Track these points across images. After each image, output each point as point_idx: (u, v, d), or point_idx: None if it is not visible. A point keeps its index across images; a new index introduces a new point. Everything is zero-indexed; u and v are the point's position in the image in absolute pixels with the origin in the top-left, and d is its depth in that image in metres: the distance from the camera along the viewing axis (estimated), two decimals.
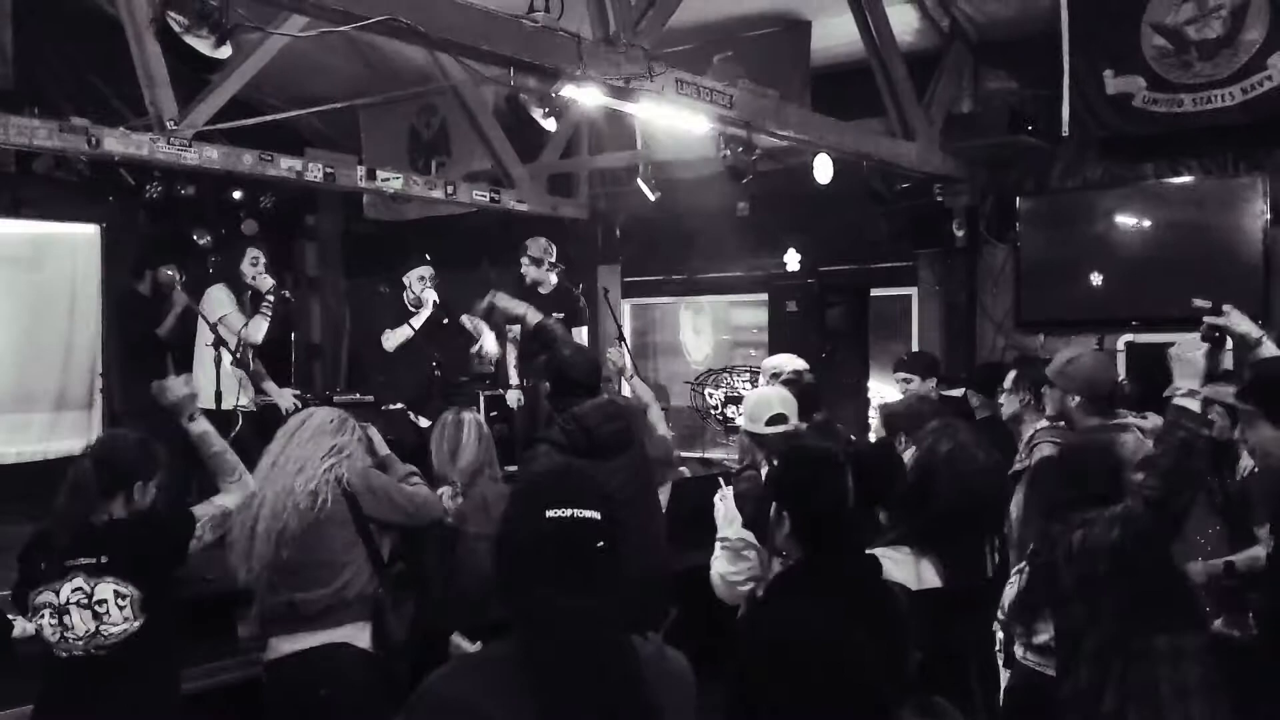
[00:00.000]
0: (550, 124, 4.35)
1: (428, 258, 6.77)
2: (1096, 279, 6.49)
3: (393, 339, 6.52)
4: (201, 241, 8.71)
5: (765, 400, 3.92)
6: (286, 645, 3.25)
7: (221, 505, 3.25)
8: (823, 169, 6.32)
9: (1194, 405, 2.69)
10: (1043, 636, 2.95)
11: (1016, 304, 6.81)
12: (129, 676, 3.05)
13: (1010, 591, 3.03)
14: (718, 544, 3.13)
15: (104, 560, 3.04)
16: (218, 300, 6.01)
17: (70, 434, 7.17)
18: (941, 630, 2.60)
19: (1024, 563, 3.01)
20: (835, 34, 6.75)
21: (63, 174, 7.75)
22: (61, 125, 5.76)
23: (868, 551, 2.46)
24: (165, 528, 3.23)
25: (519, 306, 6.18)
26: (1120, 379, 3.79)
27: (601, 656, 1.61)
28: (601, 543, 1.66)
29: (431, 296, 6.51)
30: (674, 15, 4.88)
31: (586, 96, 4.33)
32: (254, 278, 6.14)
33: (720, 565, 3.10)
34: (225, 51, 3.15)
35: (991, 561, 3.16)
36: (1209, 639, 2.87)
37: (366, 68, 8.37)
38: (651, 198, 7.47)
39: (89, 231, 7.83)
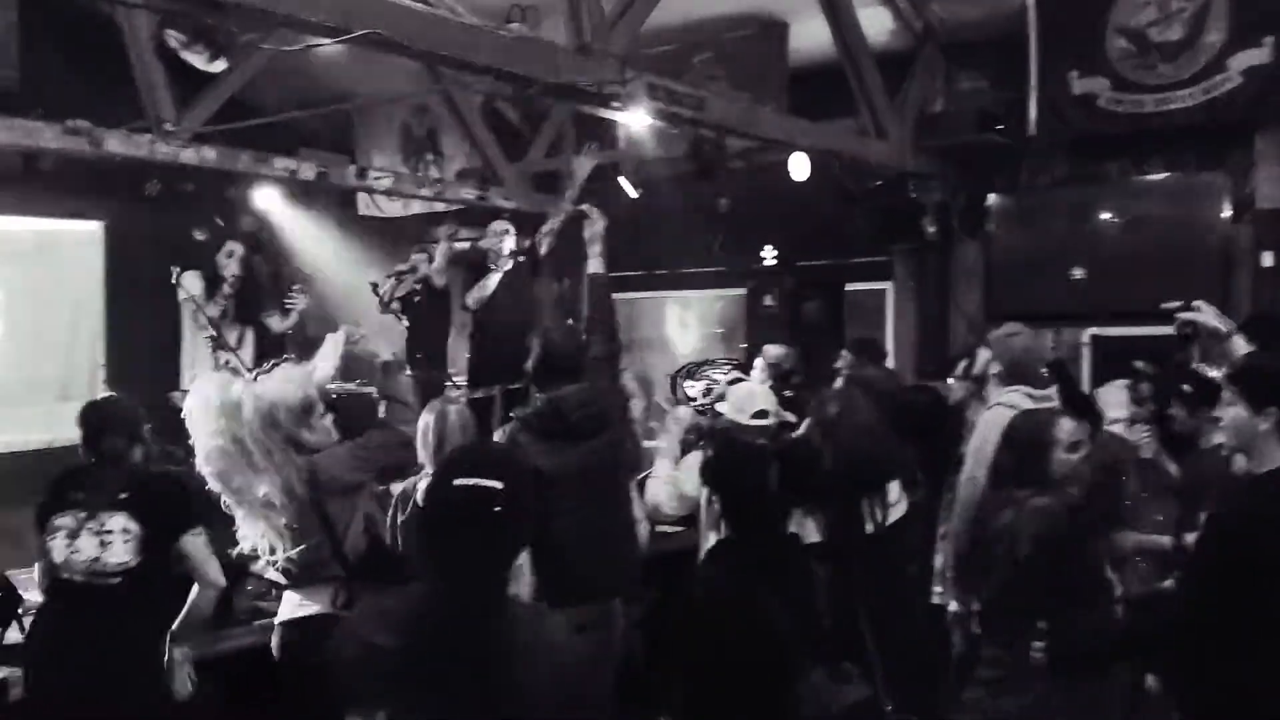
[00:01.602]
0: (525, 127, 4.57)
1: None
2: (1064, 274, 6.71)
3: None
4: (200, 237, 8.94)
5: (752, 395, 4.25)
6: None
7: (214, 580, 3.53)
8: (799, 166, 6.55)
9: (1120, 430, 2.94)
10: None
11: (987, 298, 7.05)
12: (117, 612, 3.37)
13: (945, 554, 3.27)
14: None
15: (123, 496, 3.40)
16: (187, 285, 6.40)
17: (71, 424, 7.37)
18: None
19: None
20: (813, 35, 6.97)
21: (63, 171, 7.98)
22: (64, 127, 6.00)
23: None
24: (183, 487, 3.57)
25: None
26: (1044, 366, 4.04)
27: (479, 610, 1.84)
28: (499, 508, 1.89)
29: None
30: (655, 16, 5.10)
31: (560, 102, 4.57)
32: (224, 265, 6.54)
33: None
34: (220, 66, 3.37)
35: (872, 519, 3.35)
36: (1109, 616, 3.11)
37: (361, 68, 8.58)
38: (634, 195, 7.70)
39: (91, 228, 8.07)
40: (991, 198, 7.02)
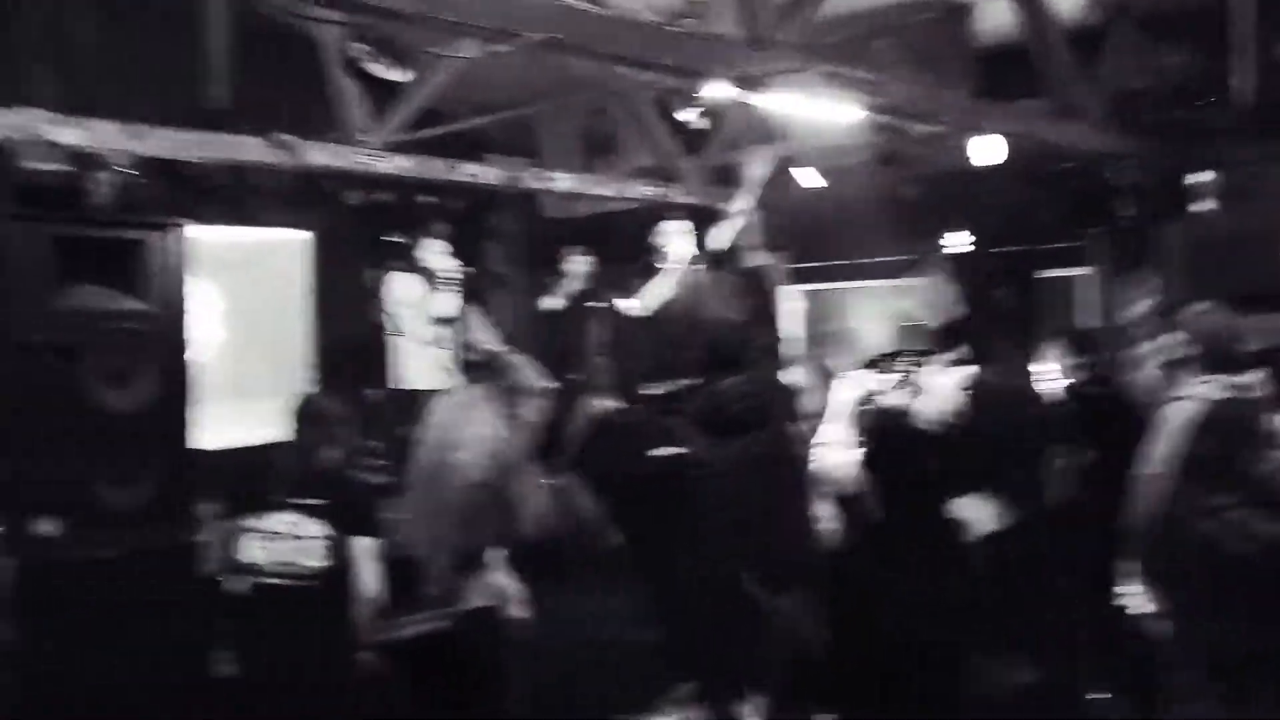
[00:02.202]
0: (704, 123, 4.56)
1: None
2: (1272, 252, 6.28)
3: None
4: (398, 243, 9.39)
5: (944, 390, 4.15)
6: None
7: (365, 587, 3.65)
8: (986, 151, 6.37)
9: None
10: None
11: (1189, 283, 6.65)
12: (310, 609, 3.59)
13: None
14: None
15: (320, 503, 3.60)
16: (395, 286, 6.69)
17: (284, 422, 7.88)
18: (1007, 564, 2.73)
19: None
20: (999, 14, 6.74)
21: (275, 185, 8.50)
22: (269, 141, 6.38)
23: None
24: (366, 498, 3.78)
25: None
26: (1243, 348, 3.75)
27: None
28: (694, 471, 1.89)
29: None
30: (832, 4, 5.03)
31: (732, 96, 4.57)
32: (430, 261, 6.82)
33: None
34: (402, 75, 3.53)
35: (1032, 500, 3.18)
36: None
37: (542, 74, 8.79)
38: (813, 185, 7.62)
39: (301, 237, 8.56)
40: (1193, 176, 6.62)
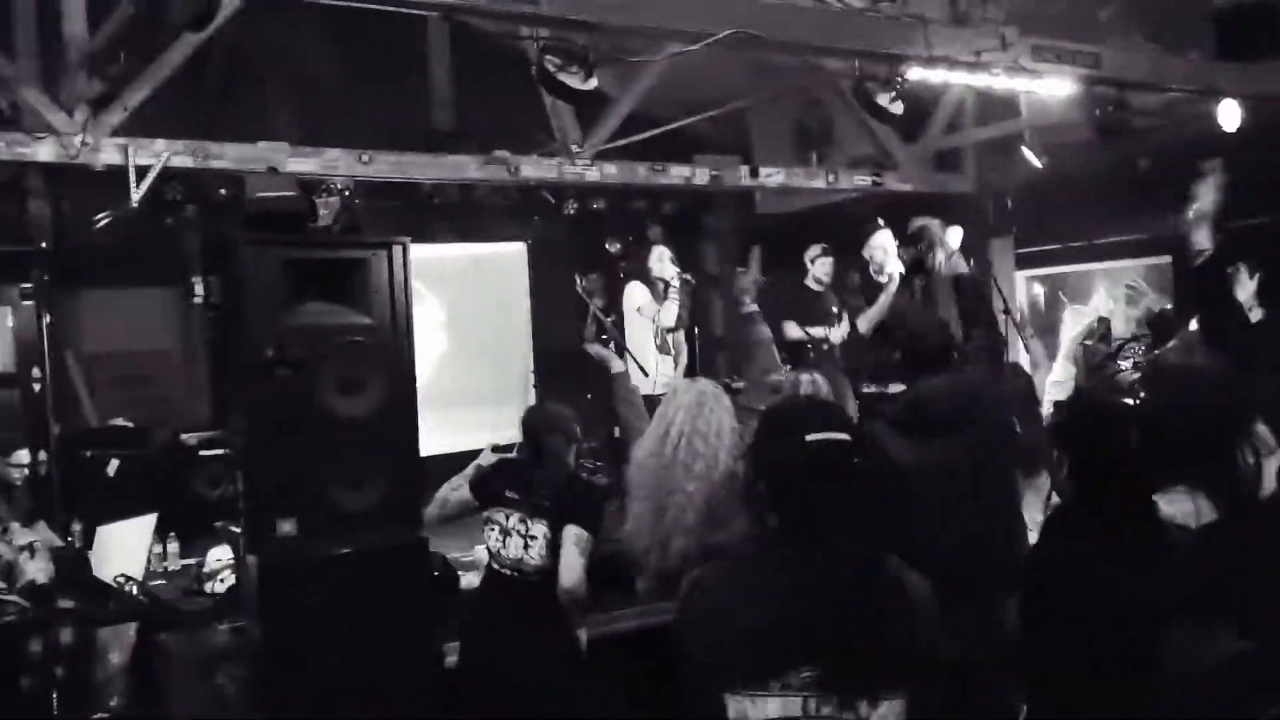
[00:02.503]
0: (897, 108, 4.46)
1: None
2: None
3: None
4: (613, 250, 9.60)
5: None
6: None
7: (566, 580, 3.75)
8: (1229, 115, 5.92)
9: None
10: None
11: None
12: (537, 599, 3.79)
13: None
14: None
15: (546, 505, 3.81)
16: (630, 295, 6.85)
17: (505, 427, 8.19)
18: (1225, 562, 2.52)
19: None
20: None
21: (496, 199, 8.86)
22: (486, 158, 6.67)
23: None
24: (593, 497, 3.97)
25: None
26: None
27: (845, 569, 1.82)
28: (857, 459, 1.87)
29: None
30: None
31: (935, 77, 4.43)
32: (659, 270, 6.94)
33: None
34: (592, 84, 3.62)
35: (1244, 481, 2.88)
36: None
37: (746, 70, 8.78)
38: (1038, 165, 7.28)
39: (518, 249, 8.89)
40: None
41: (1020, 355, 5.97)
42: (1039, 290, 8.83)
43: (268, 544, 3.83)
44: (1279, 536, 2.58)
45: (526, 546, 3.83)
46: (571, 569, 3.73)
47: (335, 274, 4.01)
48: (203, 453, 7.02)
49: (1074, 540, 2.44)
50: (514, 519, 3.88)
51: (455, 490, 4.26)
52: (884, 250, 6.66)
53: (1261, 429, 2.98)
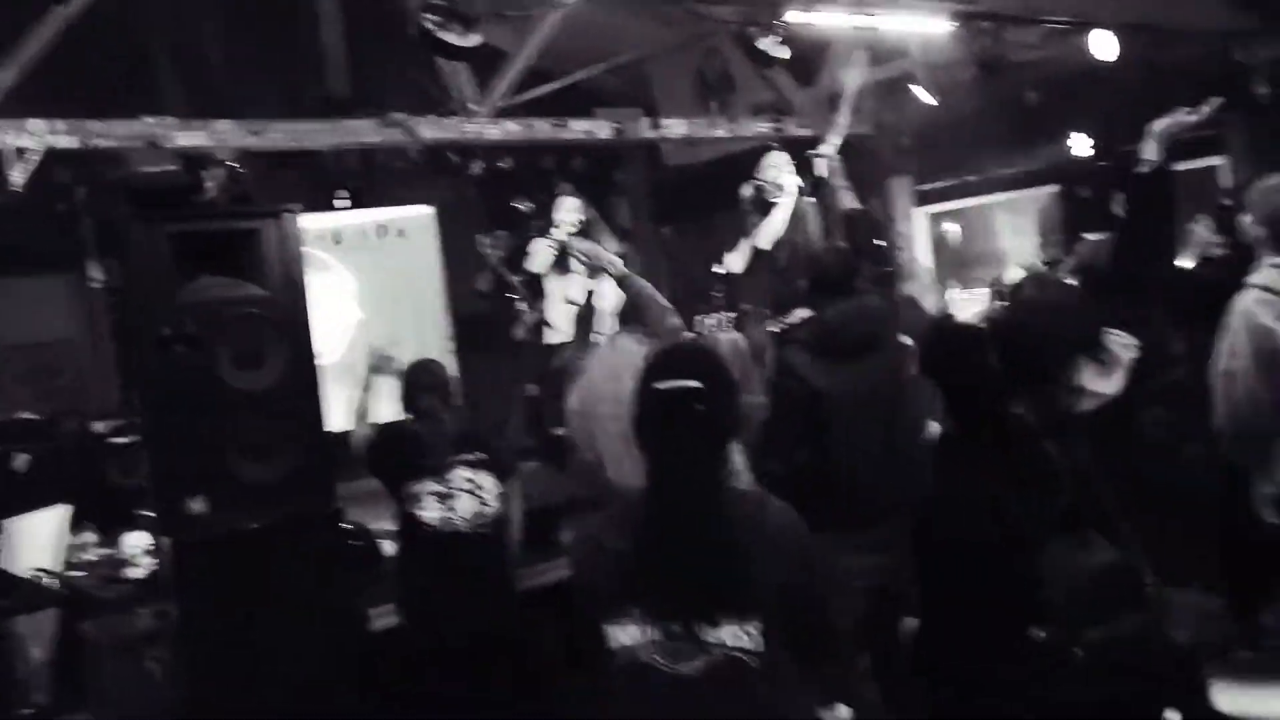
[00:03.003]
0: (783, 52, 4.51)
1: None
2: None
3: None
4: (525, 209, 9.58)
5: None
6: None
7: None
8: (1102, 45, 6.08)
9: None
10: None
11: None
12: (490, 548, 3.96)
13: None
14: None
15: (482, 457, 3.95)
16: (534, 252, 6.86)
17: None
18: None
19: None
20: None
21: (400, 163, 8.79)
22: (382, 121, 6.60)
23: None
24: (512, 450, 4.18)
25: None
26: None
27: (688, 499, 1.93)
28: (701, 406, 1.95)
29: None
30: None
31: (815, 19, 4.49)
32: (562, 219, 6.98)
33: None
34: (474, 40, 3.62)
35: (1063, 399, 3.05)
36: None
37: (649, 20, 8.78)
38: (932, 102, 7.40)
39: (426, 212, 8.84)
40: None
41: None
42: (953, 226, 9.01)
43: (180, 523, 3.83)
44: (1110, 446, 2.75)
45: (481, 500, 3.94)
46: (519, 523, 4.03)
47: (225, 246, 3.99)
48: (114, 440, 6.92)
49: (957, 466, 2.55)
50: (452, 478, 3.95)
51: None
52: (778, 168, 6.74)
53: (1114, 339, 3.12)
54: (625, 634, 1.98)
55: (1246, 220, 3.63)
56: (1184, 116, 3.26)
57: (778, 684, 1.97)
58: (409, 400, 4.16)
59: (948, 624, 2.49)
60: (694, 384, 1.99)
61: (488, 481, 3.95)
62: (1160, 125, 3.18)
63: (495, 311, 7.67)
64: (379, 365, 4.37)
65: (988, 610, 2.39)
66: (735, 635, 1.93)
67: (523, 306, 7.17)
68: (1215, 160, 6.87)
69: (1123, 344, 3.12)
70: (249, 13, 7.44)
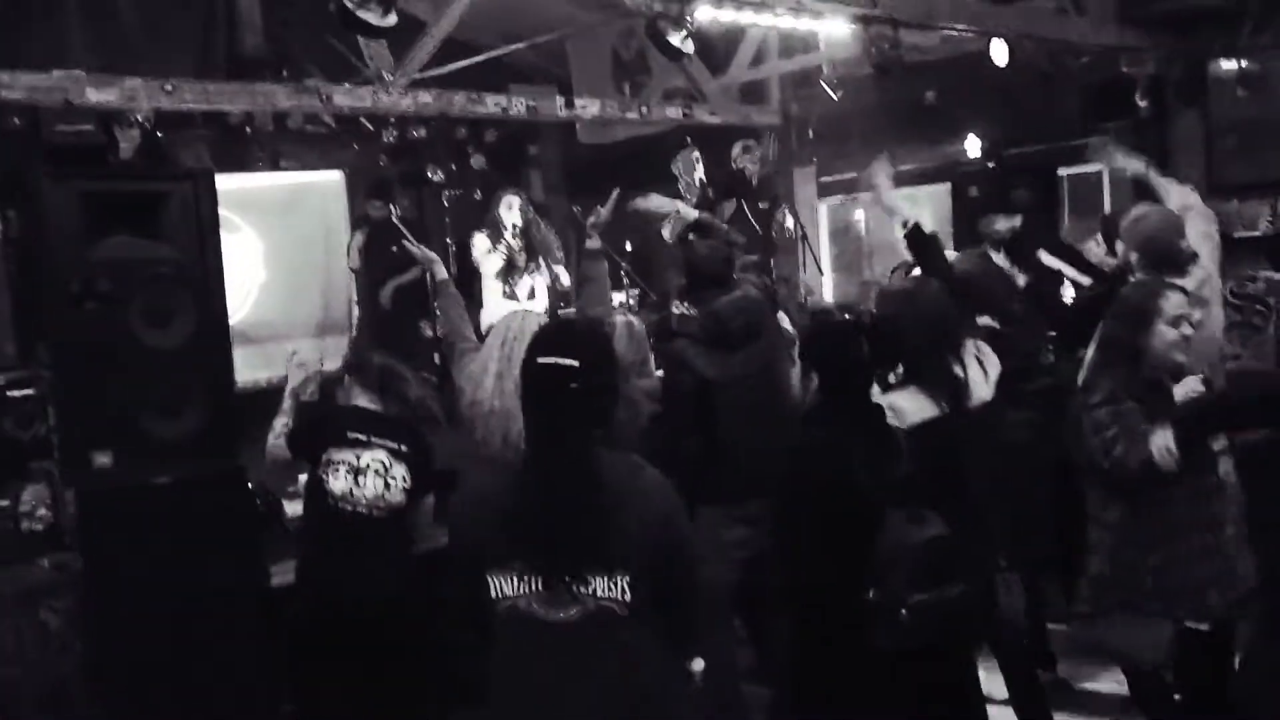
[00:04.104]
0: (688, 46, 4.68)
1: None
2: None
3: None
4: (435, 178, 9.63)
5: None
6: None
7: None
8: (999, 52, 6.39)
9: None
10: None
11: (1209, 171, 6.67)
12: (387, 535, 4.01)
13: None
14: None
15: (403, 448, 4.01)
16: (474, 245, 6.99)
17: (332, 357, 8.22)
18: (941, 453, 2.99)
19: None
20: None
21: (313, 128, 8.77)
22: (296, 86, 6.61)
23: (877, 399, 2.91)
24: (431, 444, 4.17)
25: (666, 204, 6.43)
26: (1183, 242, 3.91)
27: (563, 464, 2.14)
28: (575, 384, 2.17)
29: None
30: None
31: (723, 16, 4.68)
32: (508, 219, 7.00)
33: None
34: (391, 20, 3.74)
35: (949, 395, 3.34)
36: None
37: (571, 2, 8.90)
38: (835, 97, 7.68)
39: (335, 177, 8.86)
40: (1209, 65, 6.59)
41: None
42: (861, 215, 9.32)
43: (85, 477, 3.91)
44: (983, 438, 3.05)
45: (388, 486, 3.98)
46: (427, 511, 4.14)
47: (139, 207, 4.05)
48: (10, 393, 6.84)
49: (817, 440, 2.84)
50: (367, 458, 3.98)
51: (278, 442, 4.25)
52: (689, 165, 7.00)
53: (978, 351, 3.41)
54: (507, 585, 2.18)
55: (1120, 246, 4.01)
56: None
57: (643, 633, 2.19)
58: (369, 381, 4.20)
59: (800, 578, 2.78)
60: (570, 362, 2.19)
61: (400, 470, 4.00)
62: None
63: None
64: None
65: (833, 570, 2.69)
66: (606, 587, 2.15)
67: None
68: (1098, 166, 7.26)
69: (984, 356, 3.40)
70: None
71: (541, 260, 7.19)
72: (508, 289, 6.90)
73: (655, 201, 5.59)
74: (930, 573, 2.60)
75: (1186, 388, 3.13)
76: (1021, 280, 5.00)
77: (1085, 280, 5.06)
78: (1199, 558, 3.12)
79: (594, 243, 4.05)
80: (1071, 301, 5.02)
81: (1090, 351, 3.39)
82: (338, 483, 3.95)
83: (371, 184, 8.24)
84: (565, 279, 7.19)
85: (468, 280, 7.24)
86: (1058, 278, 5.21)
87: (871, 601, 2.65)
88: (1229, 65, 6.56)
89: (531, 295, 7.06)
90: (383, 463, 3.97)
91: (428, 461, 4.13)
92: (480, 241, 7.10)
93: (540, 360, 2.22)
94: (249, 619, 4.24)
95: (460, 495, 2.33)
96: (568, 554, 2.15)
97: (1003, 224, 5.02)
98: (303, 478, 4.32)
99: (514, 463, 2.31)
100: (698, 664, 2.38)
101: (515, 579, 2.18)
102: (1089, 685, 4.41)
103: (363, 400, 4.16)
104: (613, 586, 2.16)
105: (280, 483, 4.51)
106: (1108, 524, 3.21)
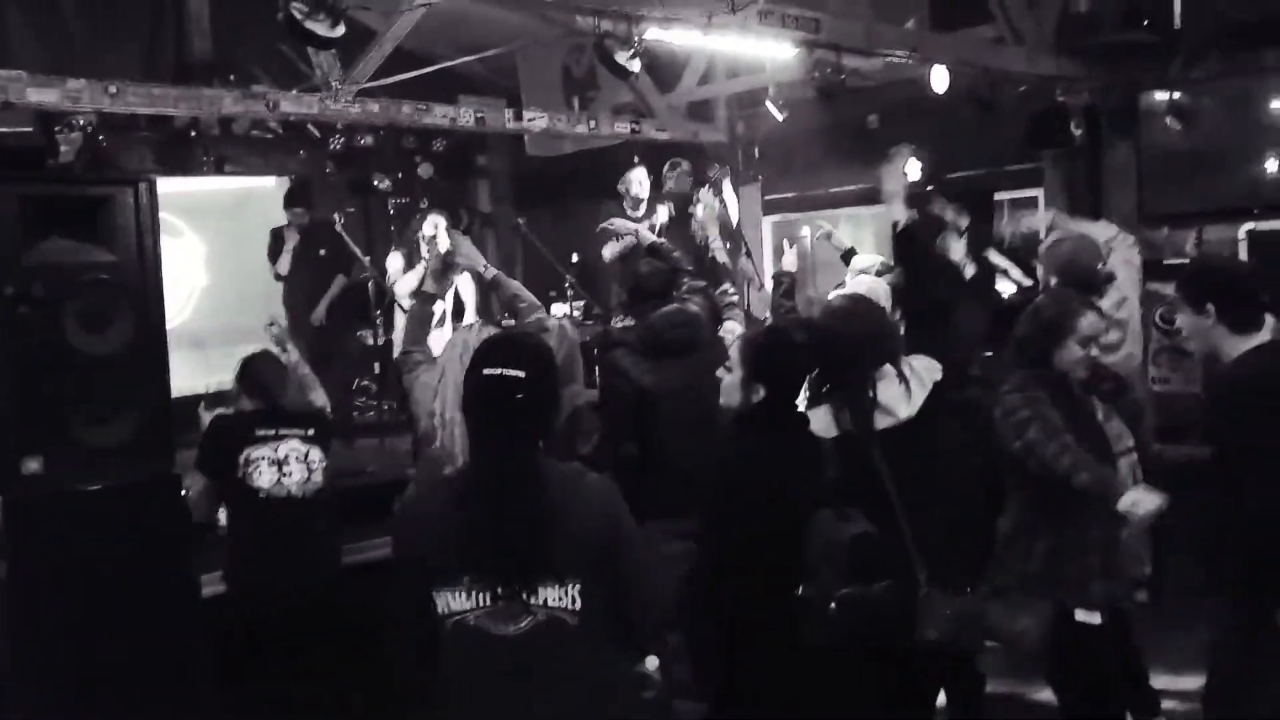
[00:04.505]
0: (635, 65, 4.74)
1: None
2: (1218, 170, 6.49)
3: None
4: (381, 186, 9.62)
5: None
6: None
7: None
8: (939, 79, 6.53)
9: None
10: None
11: (1140, 199, 6.86)
12: (316, 514, 4.22)
13: None
14: None
15: (311, 433, 4.23)
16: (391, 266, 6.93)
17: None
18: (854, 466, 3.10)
19: None
20: None
21: (258, 133, 8.73)
22: (243, 92, 6.59)
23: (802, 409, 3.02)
24: (330, 423, 4.46)
25: (629, 228, 6.47)
26: (1100, 266, 4.07)
27: (509, 474, 2.16)
28: (520, 394, 2.19)
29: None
30: None
31: (670, 37, 4.75)
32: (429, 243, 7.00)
33: None
34: (339, 31, 3.76)
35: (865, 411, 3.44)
36: None
37: (522, 13, 8.92)
38: (780, 118, 7.79)
39: (280, 183, 8.81)
40: (1142, 97, 6.80)
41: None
42: (806, 232, 9.42)
43: (15, 483, 3.86)
44: (906, 451, 3.14)
45: (309, 469, 4.19)
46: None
47: (78, 211, 4.01)
48: None
49: (746, 444, 2.94)
50: (285, 448, 4.18)
51: (194, 487, 4.33)
52: (637, 183, 7.06)
53: (918, 363, 3.49)
54: (455, 600, 2.17)
55: (1039, 269, 4.14)
56: None
57: (595, 640, 2.21)
58: (251, 387, 4.32)
59: (732, 580, 2.85)
60: (516, 373, 2.22)
61: (316, 454, 4.22)
62: None
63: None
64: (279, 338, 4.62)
65: (763, 568, 2.76)
66: (556, 596, 2.16)
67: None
68: (1035, 191, 7.45)
69: (925, 368, 3.48)
70: None
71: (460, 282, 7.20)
72: (419, 309, 6.82)
73: (619, 225, 5.67)
74: (857, 568, 2.69)
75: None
76: (970, 270, 5.20)
77: (1027, 281, 5.20)
78: (1090, 548, 3.24)
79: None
80: (1007, 298, 5.15)
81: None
82: (262, 477, 4.13)
83: (290, 191, 8.16)
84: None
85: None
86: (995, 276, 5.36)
87: (801, 598, 2.72)
88: (1161, 97, 6.76)
89: (441, 322, 7.06)
90: (297, 449, 4.18)
91: (330, 441, 4.38)
92: (395, 260, 7.11)
93: (486, 371, 2.23)
94: (179, 627, 4.21)
95: (403, 509, 2.32)
96: (518, 565, 2.15)
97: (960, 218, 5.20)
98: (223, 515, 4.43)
99: (456, 476, 2.32)
100: (651, 663, 2.41)
101: (464, 593, 2.16)
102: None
103: (254, 404, 4.34)
104: (564, 595, 2.16)
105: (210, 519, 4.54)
106: (1009, 507, 3.34)
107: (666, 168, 7.09)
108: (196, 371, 7.64)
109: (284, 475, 4.16)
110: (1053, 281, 4.08)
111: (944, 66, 6.25)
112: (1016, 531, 3.29)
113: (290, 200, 7.93)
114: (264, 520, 4.18)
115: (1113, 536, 3.26)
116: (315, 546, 4.24)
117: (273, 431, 4.21)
